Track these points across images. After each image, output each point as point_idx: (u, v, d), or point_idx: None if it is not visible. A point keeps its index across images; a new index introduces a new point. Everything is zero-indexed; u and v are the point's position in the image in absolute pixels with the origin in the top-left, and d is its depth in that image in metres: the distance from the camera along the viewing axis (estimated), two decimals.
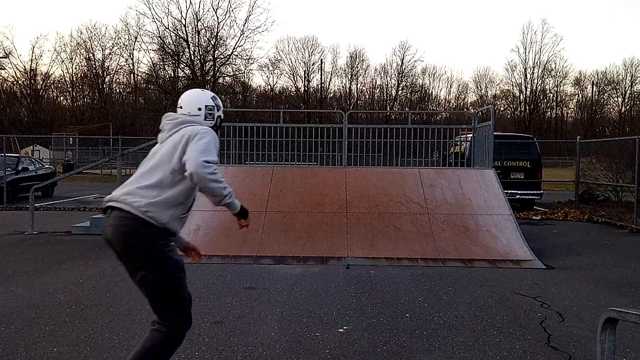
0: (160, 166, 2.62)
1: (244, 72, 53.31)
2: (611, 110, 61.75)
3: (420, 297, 5.12)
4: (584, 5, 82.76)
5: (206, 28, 49.66)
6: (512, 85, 60.59)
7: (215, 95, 3.00)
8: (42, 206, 12.91)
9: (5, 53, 48.31)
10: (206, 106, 2.90)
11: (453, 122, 48.70)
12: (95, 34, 53.28)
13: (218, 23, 50.35)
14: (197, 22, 48.91)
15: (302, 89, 58.48)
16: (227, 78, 52.40)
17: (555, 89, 59.89)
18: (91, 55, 53.04)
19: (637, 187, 9.98)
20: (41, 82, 53.06)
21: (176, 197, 2.60)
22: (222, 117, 3.01)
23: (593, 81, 59.96)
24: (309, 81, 58.89)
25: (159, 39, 49.10)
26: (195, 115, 2.85)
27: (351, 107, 56.06)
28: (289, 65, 59.05)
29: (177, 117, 2.85)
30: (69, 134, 37.24)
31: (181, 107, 2.92)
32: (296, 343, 3.83)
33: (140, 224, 2.52)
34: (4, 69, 48.84)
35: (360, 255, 6.86)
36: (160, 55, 50.82)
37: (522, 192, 12.67)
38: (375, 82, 62.00)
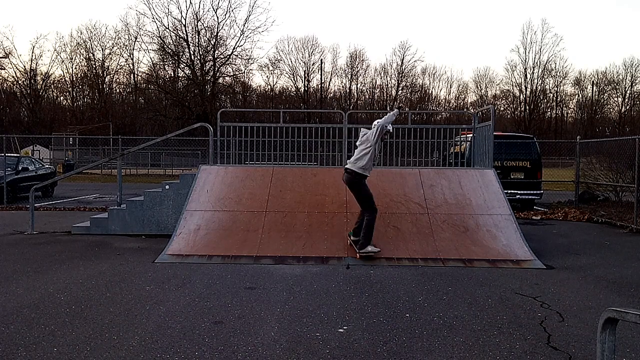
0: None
1: (244, 72, 53.42)
2: (611, 110, 61.84)
3: (420, 297, 5.11)
4: (584, 5, 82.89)
5: (206, 28, 49.74)
6: (512, 85, 60.73)
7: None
8: (42, 206, 12.92)
9: (5, 53, 48.38)
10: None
11: (453, 122, 48.73)
12: (95, 34, 53.45)
13: (218, 23, 50.56)
14: (197, 22, 49.00)
15: (302, 89, 58.54)
16: (227, 78, 52.51)
17: (555, 89, 60.01)
18: (91, 55, 53.16)
19: (637, 187, 9.98)
20: (41, 82, 53.13)
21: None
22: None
23: (593, 81, 60.05)
24: (309, 81, 58.98)
25: (159, 39, 49.20)
26: None
27: (351, 107, 56.10)
28: (289, 65, 59.17)
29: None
30: (69, 134, 37.26)
31: None
32: (296, 343, 3.83)
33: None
34: (4, 69, 48.92)
35: None
36: (160, 55, 50.90)
37: (522, 192, 12.68)
38: (375, 82, 62.12)
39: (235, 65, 51.43)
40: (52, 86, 54.46)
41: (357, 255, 6.64)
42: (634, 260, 7.13)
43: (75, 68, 54.02)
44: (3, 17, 71.67)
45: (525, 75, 58.47)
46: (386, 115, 6.85)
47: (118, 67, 54.26)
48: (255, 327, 4.17)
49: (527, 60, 58.15)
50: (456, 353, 3.67)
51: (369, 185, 6.85)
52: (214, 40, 49.59)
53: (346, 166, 6.81)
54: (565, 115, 63.46)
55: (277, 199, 8.02)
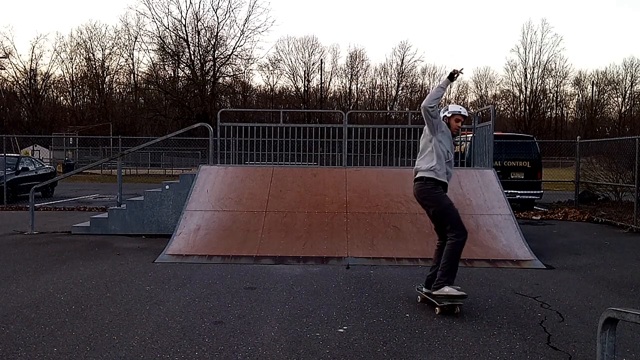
0: None
1: (244, 72, 53.44)
2: (611, 110, 61.84)
3: (420, 297, 5.11)
4: (584, 5, 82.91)
5: (206, 28, 49.77)
6: (512, 85, 60.74)
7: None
8: (42, 206, 12.92)
9: (5, 53, 48.39)
10: None
11: None
12: (95, 34, 53.45)
13: (218, 23, 50.59)
14: (197, 22, 49.03)
15: (302, 89, 58.53)
16: (227, 78, 52.54)
17: (555, 89, 60.02)
18: (91, 55, 53.16)
19: (637, 187, 9.98)
20: (41, 82, 53.13)
21: None
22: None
23: (593, 81, 60.04)
24: (309, 81, 58.98)
25: (159, 39, 49.24)
26: None
27: (351, 107, 56.10)
28: (289, 65, 59.18)
29: None
30: (69, 134, 37.27)
31: None
32: (296, 343, 3.83)
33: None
34: (4, 69, 48.92)
35: (360, 255, 6.85)
36: (160, 55, 50.93)
37: (522, 192, 12.68)
38: (375, 82, 62.13)
39: (235, 65, 51.51)
40: (52, 86, 54.49)
41: (437, 308, 4.58)
42: (634, 260, 7.13)
43: (75, 68, 54.08)
44: (3, 17, 71.76)
45: (525, 75, 58.51)
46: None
47: (118, 67, 54.32)
48: (255, 327, 4.17)
49: (527, 60, 58.20)
50: (456, 353, 3.67)
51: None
52: (214, 40, 49.65)
53: (414, 177, 4.85)
54: (565, 115, 63.52)
55: (277, 199, 8.01)
